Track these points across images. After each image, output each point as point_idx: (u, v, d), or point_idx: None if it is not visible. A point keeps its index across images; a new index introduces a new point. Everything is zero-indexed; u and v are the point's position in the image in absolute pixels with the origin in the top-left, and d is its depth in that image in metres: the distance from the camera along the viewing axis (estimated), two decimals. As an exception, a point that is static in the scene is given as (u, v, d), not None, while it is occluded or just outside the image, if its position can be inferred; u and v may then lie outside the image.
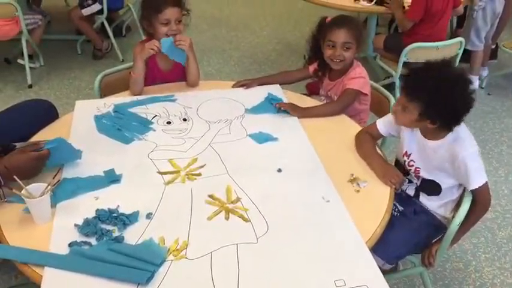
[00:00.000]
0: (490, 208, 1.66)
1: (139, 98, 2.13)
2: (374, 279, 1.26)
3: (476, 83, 3.83)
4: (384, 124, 1.82)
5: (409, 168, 1.74)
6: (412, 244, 1.70)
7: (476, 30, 3.61)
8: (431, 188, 1.71)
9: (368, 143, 1.79)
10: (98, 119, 1.95)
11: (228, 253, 1.33)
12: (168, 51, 2.10)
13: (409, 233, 1.68)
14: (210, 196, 1.54)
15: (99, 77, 2.34)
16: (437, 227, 1.74)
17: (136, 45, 2.23)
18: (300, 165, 1.71)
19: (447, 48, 3.10)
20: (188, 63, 2.19)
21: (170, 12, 2.09)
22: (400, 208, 1.75)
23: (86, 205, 1.49)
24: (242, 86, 2.22)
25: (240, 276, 1.26)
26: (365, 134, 1.83)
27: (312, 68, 2.28)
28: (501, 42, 3.84)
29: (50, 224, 1.42)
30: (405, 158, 1.74)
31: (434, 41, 3.10)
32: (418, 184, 1.74)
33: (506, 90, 3.83)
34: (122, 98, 2.13)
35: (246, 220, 1.45)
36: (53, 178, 1.43)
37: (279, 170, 1.67)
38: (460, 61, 3.28)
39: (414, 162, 1.71)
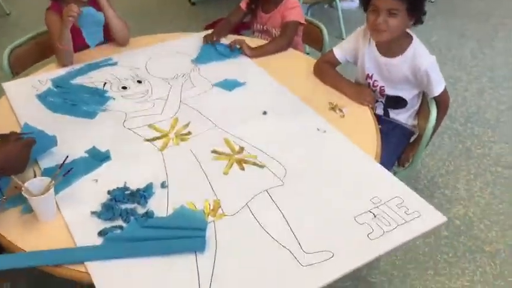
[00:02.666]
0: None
1: (75, 67, 1.92)
2: (401, 190, 1.37)
3: (356, 2, 4.09)
4: (340, 50, 1.88)
5: (374, 88, 1.84)
6: (395, 157, 1.85)
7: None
8: (398, 102, 1.85)
9: (330, 70, 1.85)
10: (42, 98, 1.74)
11: (262, 200, 1.33)
12: (87, 24, 1.88)
13: (392, 148, 1.81)
14: (214, 151, 1.50)
15: (6, 53, 2.05)
16: (409, 135, 1.90)
17: (46, 14, 1.97)
18: (281, 105, 1.72)
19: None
20: (109, 19, 1.99)
21: None
22: (387, 119, 1.88)
23: (89, 191, 1.36)
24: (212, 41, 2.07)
25: (286, 216, 1.28)
26: (323, 63, 1.88)
27: (243, 3, 2.24)
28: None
29: (58, 220, 1.27)
30: (368, 80, 1.84)
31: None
32: (384, 102, 1.87)
33: None
34: (53, 71, 1.91)
35: (262, 166, 1.45)
36: (59, 168, 1.26)
37: (264, 113, 1.67)
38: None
39: (378, 82, 1.82)
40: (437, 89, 1.75)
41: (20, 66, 2.11)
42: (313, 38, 2.31)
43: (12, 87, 1.81)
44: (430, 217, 1.29)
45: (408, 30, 1.74)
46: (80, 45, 1.99)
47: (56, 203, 1.30)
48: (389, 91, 1.83)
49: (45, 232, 1.24)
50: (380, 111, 1.89)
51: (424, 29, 3.66)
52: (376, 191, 1.35)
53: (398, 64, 1.75)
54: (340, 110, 1.69)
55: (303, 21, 2.15)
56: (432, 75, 1.72)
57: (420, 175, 2.35)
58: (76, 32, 1.92)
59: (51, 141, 1.48)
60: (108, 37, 2.07)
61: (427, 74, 1.71)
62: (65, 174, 1.27)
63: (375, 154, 1.51)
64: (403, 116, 1.88)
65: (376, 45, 1.78)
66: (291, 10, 2.12)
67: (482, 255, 1.99)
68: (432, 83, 1.73)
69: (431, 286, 1.88)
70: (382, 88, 1.82)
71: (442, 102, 1.79)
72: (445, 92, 1.78)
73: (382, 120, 1.88)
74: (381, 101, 1.88)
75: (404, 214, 1.28)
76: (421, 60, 1.71)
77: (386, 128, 1.85)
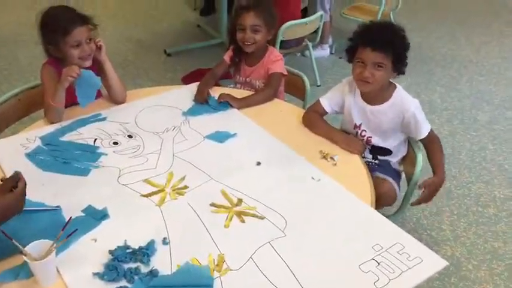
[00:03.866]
0: None
1: (63, 123, 1.91)
2: (400, 236, 1.40)
3: (327, 50, 4.24)
4: (327, 100, 1.94)
5: (361, 138, 1.89)
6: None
7: (321, 4, 3.97)
8: (383, 152, 1.91)
9: (318, 120, 1.90)
10: (31, 156, 1.71)
11: (265, 253, 1.33)
12: (83, 85, 1.91)
13: (393, 172, 1.89)
14: (212, 205, 1.50)
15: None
16: (399, 175, 1.97)
17: (43, 68, 1.97)
18: (273, 155, 1.75)
19: (313, 22, 3.38)
20: (108, 77, 2.02)
21: (79, 33, 1.87)
22: (376, 161, 1.92)
23: (89, 251, 1.33)
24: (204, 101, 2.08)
25: (291, 268, 1.28)
26: (311, 112, 1.94)
27: (227, 56, 2.30)
28: (341, 11, 4.27)
29: (59, 284, 1.23)
30: (356, 129, 1.90)
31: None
32: (370, 149, 1.92)
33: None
34: (41, 128, 1.89)
35: (261, 218, 1.46)
36: (62, 230, 1.23)
37: (258, 163, 1.69)
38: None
39: (366, 131, 1.88)
40: (425, 129, 1.82)
41: (3, 123, 2.08)
42: (295, 87, 2.38)
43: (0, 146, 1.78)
44: (431, 262, 1.31)
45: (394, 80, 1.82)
46: (69, 102, 1.98)
47: (56, 265, 1.27)
48: (376, 141, 1.88)
49: (46, 297, 1.21)
50: (369, 155, 1.93)
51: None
52: (376, 238, 1.38)
53: (385, 110, 1.82)
54: (332, 158, 1.73)
55: (285, 73, 2.22)
56: (419, 117, 1.79)
57: (406, 217, 2.40)
58: (67, 89, 1.92)
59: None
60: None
61: (414, 116, 1.78)
62: (69, 235, 1.24)
63: (370, 201, 1.54)
64: (391, 160, 1.93)
65: (362, 95, 1.85)
66: (275, 63, 2.19)
67: (474, 296, 2.02)
68: (420, 124, 1.80)
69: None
70: (369, 138, 1.88)
71: (433, 138, 1.86)
72: (432, 131, 1.85)
73: (374, 167, 1.93)
74: (368, 148, 1.93)
75: (406, 260, 1.31)
76: (407, 103, 1.79)
77: (378, 166, 1.90)
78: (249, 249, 1.34)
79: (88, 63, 1.92)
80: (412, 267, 1.29)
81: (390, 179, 1.86)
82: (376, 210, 1.50)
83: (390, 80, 1.82)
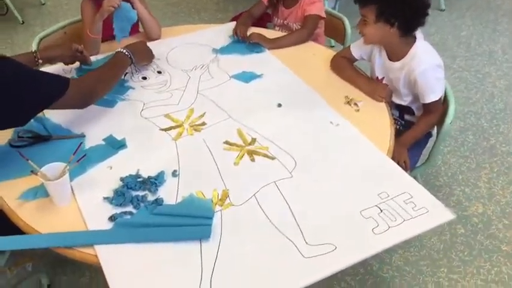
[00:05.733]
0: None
1: (98, 57, 1.97)
2: (411, 185, 1.36)
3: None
4: (356, 47, 1.86)
5: None
6: (417, 158, 1.83)
7: None
8: (404, 109, 1.83)
9: (347, 65, 1.84)
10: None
11: (269, 191, 1.35)
12: (120, 18, 1.94)
13: (412, 148, 1.78)
14: (226, 142, 1.53)
15: (35, 41, 2.13)
16: (428, 136, 1.87)
17: (83, 3, 2.03)
18: (297, 97, 1.73)
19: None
20: (139, 14, 2.04)
21: None
22: (402, 122, 1.86)
23: (103, 177, 1.40)
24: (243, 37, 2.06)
25: (292, 207, 1.29)
26: (340, 58, 1.88)
27: None
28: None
29: (73, 205, 1.33)
30: None
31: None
32: (395, 105, 1.84)
33: None
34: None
35: (272, 158, 1.47)
36: (73, 154, 1.32)
37: (279, 105, 1.68)
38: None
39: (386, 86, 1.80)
40: (430, 95, 1.68)
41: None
42: (336, 31, 2.31)
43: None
44: (438, 213, 1.28)
45: (418, 33, 1.69)
46: (106, 36, 2.04)
47: (72, 188, 1.36)
48: (395, 98, 1.80)
49: (60, 216, 1.30)
50: (395, 112, 1.86)
51: (453, 23, 3.63)
52: (384, 186, 1.35)
53: (398, 68, 1.71)
54: (356, 104, 1.69)
55: (323, 15, 2.15)
56: (427, 79, 1.65)
57: (440, 171, 2.32)
58: (105, 24, 1.98)
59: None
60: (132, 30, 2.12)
61: (422, 76, 1.65)
62: (79, 160, 1.32)
63: (387, 149, 1.50)
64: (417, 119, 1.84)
65: (385, 49, 1.76)
66: (312, 5, 2.12)
67: (499, 255, 1.95)
68: (425, 86, 1.67)
69: (444, 284, 1.86)
70: (391, 91, 1.79)
71: (429, 111, 1.74)
72: (434, 105, 1.71)
73: (399, 129, 1.85)
74: (394, 104, 1.84)
75: (411, 210, 1.28)
76: (418, 62, 1.65)
77: (404, 128, 1.84)
78: (254, 187, 1.36)
79: None
80: (415, 217, 1.26)
81: None
82: (391, 160, 1.46)
83: (416, 34, 1.68)
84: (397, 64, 1.72)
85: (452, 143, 2.49)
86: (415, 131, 1.76)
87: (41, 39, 2.15)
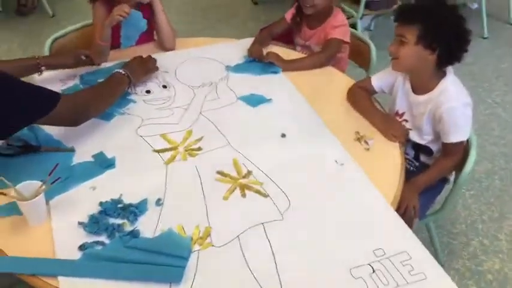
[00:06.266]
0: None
1: (107, 65, 1.91)
2: (412, 244, 1.23)
3: None
4: (377, 79, 1.73)
5: None
6: (430, 204, 1.69)
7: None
8: (422, 149, 1.68)
9: (364, 97, 1.71)
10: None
11: (255, 234, 1.24)
12: (128, 26, 1.88)
13: (425, 193, 1.63)
14: (219, 172, 1.42)
15: (48, 42, 2.09)
16: (444, 181, 1.73)
17: (95, 7, 1.96)
18: (304, 128, 1.61)
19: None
20: (160, 24, 1.97)
21: None
22: (417, 163, 1.72)
23: (83, 198, 1.33)
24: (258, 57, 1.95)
25: (276, 256, 1.18)
26: (358, 88, 1.75)
27: (289, 14, 2.14)
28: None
29: (47, 225, 1.25)
30: (397, 118, 1.68)
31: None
32: (413, 146, 1.69)
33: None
34: (86, 67, 1.89)
35: (265, 195, 1.36)
36: (49, 175, 1.24)
37: (283, 135, 1.57)
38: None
39: (407, 123, 1.66)
40: (454, 135, 1.54)
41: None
42: (361, 56, 2.18)
43: (43, 79, 1.81)
44: (437, 282, 1.14)
45: (449, 69, 1.56)
46: (116, 43, 1.98)
47: (49, 207, 1.28)
48: (413, 135, 1.65)
49: (30, 237, 1.23)
50: (410, 151, 1.72)
51: (494, 53, 3.42)
52: (382, 242, 1.22)
53: (423, 102, 1.57)
54: (366, 142, 1.56)
55: (346, 40, 2.02)
56: (454, 117, 1.51)
57: (459, 217, 2.16)
58: (115, 31, 1.92)
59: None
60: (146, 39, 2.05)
61: (448, 113, 1.51)
62: (53, 182, 1.24)
63: (393, 197, 1.37)
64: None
65: (411, 82, 1.62)
66: (336, 28, 1.99)
67: (512, 319, 1.78)
68: (451, 125, 1.52)
69: None
70: (408, 131, 1.65)
71: (449, 153, 1.59)
72: (457, 146, 1.56)
73: (412, 171, 1.71)
74: (411, 144, 1.70)
75: (407, 274, 1.15)
76: (447, 97, 1.51)
77: (418, 171, 1.69)
78: (240, 227, 1.25)
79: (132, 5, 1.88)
80: (410, 283, 1.12)
81: None
82: (395, 213, 1.33)
83: (446, 69, 1.54)
84: (422, 98, 1.58)
85: (476, 186, 2.32)
86: (429, 175, 1.61)
87: (53, 41, 2.11)
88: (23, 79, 1.58)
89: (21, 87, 1.32)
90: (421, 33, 1.46)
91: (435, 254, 1.91)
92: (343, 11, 3.36)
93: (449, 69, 1.56)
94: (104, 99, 1.56)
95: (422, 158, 1.71)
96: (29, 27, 3.73)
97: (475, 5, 3.95)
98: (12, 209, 1.26)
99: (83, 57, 1.79)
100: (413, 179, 1.58)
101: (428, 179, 1.61)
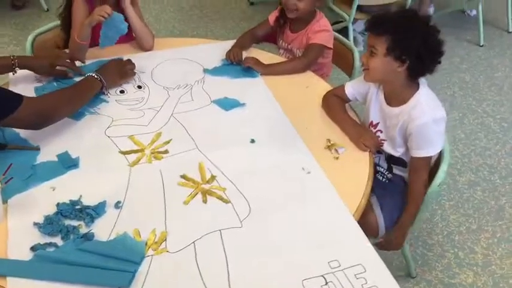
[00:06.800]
0: (449, 154, 1.58)
1: (83, 64, 1.89)
2: (368, 256, 1.21)
3: (422, 23, 3.81)
4: (351, 87, 1.69)
5: None
6: (396, 215, 1.64)
7: (425, -29, 3.55)
8: (396, 161, 1.65)
9: (337, 105, 1.69)
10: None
11: (212, 241, 1.23)
12: (109, 27, 1.86)
13: (394, 204, 1.63)
14: (183, 176, 1.41)
15: (30, 38, 2.09)
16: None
17: (75, 2, 1.95)
18: (274, 134, 1.60)
19: (400, -11, 3.03)
20: (131, 24, 1.95)
21: None
22: (389, 175, 1.69)
23: (42, 198, 1.32)
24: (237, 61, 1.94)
25: (229, 264, 1.17)
26: (332, 96, 1.72)
27: (272, 16, 2.12)
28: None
29: (3, 224, 1.24)
30: (371, 128, 1.66)
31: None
32: (386, 157, 1.67)
33: (452, 29, 3.82)
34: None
35: (226, 201, 1.34)
36: (3, 174, 1.23)
37: (252, 141, 1.55)
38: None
39: (381, 133, 1.63)
40: (417, 151, 1.52)
41: (41, 51, 2.13)
42: (345, 61, 2.16)
43: (19, 77, 1.80)
44: (389, 296, 1.12)
45: (422, 81, 1.53)
46: (95, 42, 1.97)
47: (8, 206, 1.28)
48: (386, 146, 1.62)
49: (-16, 236, 1.22)
50: (383, 164, 1.69)
51: (489, 61, 3.39)
52: (338, 253, 1.20)
53: (396, 115, 1.54)
54: (336, 151, 1.54)
55: (329, 46, 2.00)
56: (425, 133, 1.49)
57: (436, 228, 2.13)
58: (94, 29, 1.89)
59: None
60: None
61: (419, 130, 1.48)
62: (6, 182, 1.23)
63: (356, 207, 1.35)
64: (407, 175, 1.65)
65: (384, 92, 1.60)
66: (318, 33, 1.97)
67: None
68: (415, 141, 1.50)
69: None
70: (382, 142, 1.62)
71: (416, 169, 1.55)
72: (424, 161, 1.53)
73: (384, 183, 1.70)
74: (385, 155, 1.68)
75: (359, 287, 1.13)
76: (418, 113, 1.48)
77: (391, 182, 1.67)
78: (196, 233, 1.24)
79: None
80: (361, 297, 1.11)
81: (377, 212, 1.61)
82: (356, 223, 1.30)
83: (420, 81, 1.52)
84: (395, 110, 1.55)
85: (457, 197, 2.29)
86: (409, 210, 1.57)
87: (36, 36, 2.11)
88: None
89: None
90: (390, 45, 1.43)
91: (406, 265, 1.90)
92: (334, 13, 3.36)
93: (423, 82, 1.54)
94: (70, 104, 1.55)
95: (396, 170, 1.68)
96: (23, 21, 3.73)
97: (473, 12, 3.92)
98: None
99: (58, 67, 1.78)
100: (401, 220, 1.59)
101: (409, 215, 1.59)
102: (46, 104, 1.45)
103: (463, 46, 3.63)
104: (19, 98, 1.36)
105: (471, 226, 2.17)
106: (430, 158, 1.54)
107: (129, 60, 1.82)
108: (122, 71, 1.76)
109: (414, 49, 1.42)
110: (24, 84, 1.76)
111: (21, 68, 1.72)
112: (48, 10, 3.82)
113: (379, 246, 1.64)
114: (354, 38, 3.43)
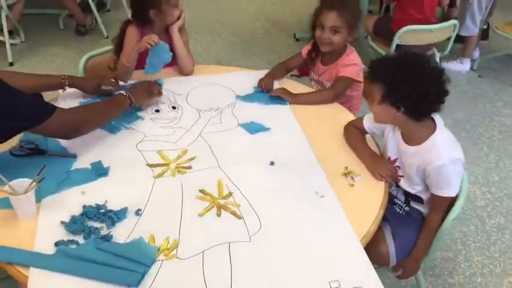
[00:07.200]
0: (480, 195, 1.59)
1: (126, 84, 2.04)
2: (369, 279, 1.24)
3: (467, 65, 3.80)
4: (369, 121, 1.73)
5: None
6: (411, 246, 1.64)
7: (471, 16, 3.54)
8: (416, 197, 1.66)
9: (356, 135, 1.74)
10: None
11: (220, 252, 1.30)
12: (154, 55, 2.02)
13: (409, 236, 1.64)
14: (201, 191, 1.50)
15: (83, 59, 2.28)
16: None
17: (128, 28, 2.13)
18: (293, 158, 1.66)
19: (441, 31, 3.06)
20: (175, 49, 2.11)
21: None
22: (407, 208, 1.71)
23: (72, 200, 1.44)
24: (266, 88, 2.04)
25: (233, 276, 1.23)
26: (352, 127, 1.78)
27: (305, 50, 2.22)
28: (493, 23, 3.80)
29: (34, 221, 1.37)
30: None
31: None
32: (404, 191, 1.69)
33: (497, 73, 3.79)
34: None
35: (239, 217, 1.41)
36: (37, 174, 1.37)
37: (272, 163, 1.63)
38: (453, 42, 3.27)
39: (399, 169, 1.65)
40: (437, 191, 1.54)
41: (94, 71, 2.31)
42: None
43: (69, 93, 1.97)
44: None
45: (438, 120, 1.54)
46: (142, 65, 2.13)
47: (40, 205, 1.40)
48: (403, 183, 1.65)
49: (17, 230, 1.34)
50: (401, 197, 1.71)
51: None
52: (340, 273, 1.25)
53: (412, 155, 1.56)
54: (352, 178, 1.58)
55: (358, 79, 2.06)
56: (437, 177, 1.51)
57: (459, 268, 2.10)
58: (142, 53, 2.05)
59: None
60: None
61: (438, 171, 1.50)
62: (40, 181, 1.36)
63: (363, 234, 1.38)
64: (424, 210, 1.67)
65: (401, 132, 1.61)
66: (347, 67, 2.05)
67: None
68: (434, 182, 1.53)
69: None
70: (399, 177, 1.64)
71: (436, 206, 1.58)
72: (445, 200, 1.55)
73: (401, 216, 1.71)
74: (402, 191, 1.69)
75: (356, 308, 1.16)
76: (435, 155, 1.49)
77: (408, 215, 1.70)
78: (206, 243, 1.32)
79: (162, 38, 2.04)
80: (356, 318, 1.14)
81: (389, 242, 1.63)
82: (361, 247, 1.34)
83: (435, 119, 1.53)
84: (412, 149, 1.56)
85: (484, 239, 2.25)
86: (423, 240, 1.61)
87: (89, 58, 2.30)
88: (47, 93, 1.82)
89: (19, 96, 1.43)
90: (384, 93, 1.46)
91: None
92: (374, 50, 3.42)
93: (439, 121, 1.54)
94: (99, 118, 1.66)
95: (413, 204, 1.70)
96: (83, 46, 4.01)
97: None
98: (5, 203, 1.39)
99: (104, 87, 1.93)
100: (415, 251, 1.62)
101: (424, 245, 1.62)
102: (75, 117, 1.57)
103: (508, 91, 3.59)
104: (51, 108, 1.48)
105: (495, 269, 2.12)
106: (450, 198, 1.55)
107: (154, 82, 1.96)
108: (150, 91, 1.88)
109: (406, 96, 1.43)
110: (71, 99, 1.92)
111: (70, 86, 1.89)
112: (107, 37, 4.11)
113: (397, 276, 1.69)
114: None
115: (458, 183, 1.55)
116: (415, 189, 1.63)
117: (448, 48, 3.28)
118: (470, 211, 2.39)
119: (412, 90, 1.42)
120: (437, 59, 3.35)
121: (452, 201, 1.57)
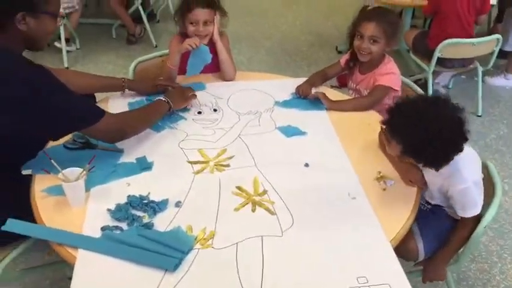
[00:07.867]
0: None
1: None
2: (397, 278, 1.28)
3: (511, 82, 3.75)
4: None
5: None
6: (439, 243, 1.69)
7: (517, 28, 3.53)
8: (436, 205, 1.72)
9: None
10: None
11: (253, 245, 1.36)
12: (195, 57, 2.13)
13: (440, 227, 1.69)
14: (238, 187, 1.58)
15: (133, 64, 2.40)
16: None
17: (173, 38, 2.26)
18: (327, 161, 1.72)
19: (483, 44, 3.04)
20: (220, 59, 2.21)
21: (199, 13, 2.13)
22: (429, 206, 1.75)
23: (118, 191, 1.54)
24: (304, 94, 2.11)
25: (264, 268, 1.29)
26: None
27: (343, 59, 2.28)
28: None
29: (84, 208, 1.48)
30: None
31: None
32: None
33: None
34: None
35: (272, 213, 1.48)
36: (88, 164, 1.48)
37: (306, 165, 1.69)
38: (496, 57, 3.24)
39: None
40: (463, 212, 1.59)
41: (142, 76, 2.44)
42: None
43: (117, 94, 2.11)
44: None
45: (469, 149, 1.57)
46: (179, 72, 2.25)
47: (89, 194, 1.52)
48: (425, 195, 1.70)
49: (68, 215, 1.45)
50: (423, 199, 1.75)
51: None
52: (369, 271, 1.29)
53: (435, 175, 1.58)
54: (385, 183, 1.62)
55: (395, 88, 2.10)
56: (466, 196, 1.55)
57: (493, 281, 2.08)
58: (184, 59, 2.19)
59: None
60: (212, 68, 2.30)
61: (460, 194, 1.55)
62: (90, 170, 1.48)
63: (393, 236, 1.42)
64: (447, 208, 1.72)
65: None
66: (385, 75, 2.09)
67: None
68: (459, 205, 1.58)
69: None
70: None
71: (465, 224, 1.61)
72: (473, 217, 1.58)
73: (426, 212, 1.75)
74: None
75: (382, 304, 1.20)
76: (457, 180, 1.53)
77: (431, 212, 1.73)
78: (241, 235, 1.39)
79: (203, 41, 2.14)
80: (382, 313, 1.18)
81: (417, 238, 1.67)
82: (391, 248, 1.38)
83: None
84: (432, 170, 1.57)
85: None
86: (450, 248, 1.65)
87: (138, 63, 2.44)
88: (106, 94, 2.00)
89: (71, 98, 1.52)
90: (402, 150, 1.49)
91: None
92: (416, 64, 3.43)
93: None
94: (142, 123, 1.76)
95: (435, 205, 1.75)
96: (133, 54, 4.21)
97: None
98: (59, 190, 1.51)
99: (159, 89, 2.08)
100: (439, 255, 1.67)
101: (450, 252, 1.66)
102: (121, 123, 1.65)
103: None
104: (101, 112, 1.58)
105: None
106: (477, 215, 1.59)
107: (189, 87, 2.05)
108: (186, 96, 1.98)
109: (423, 153, 1.45)
110: (120, 99, 2.06)
111: (129, 89, 2.05)
112: (156, 46, 4.30)
113: (425, 278, 1.72)
114: (436, 91, 3.46)
115: (482, 199, 1.59)
116: (435, 201, 1.69)
117: (491, 62, 3.25)
118: (508, 225, 2.36)
119: (433, 151, 1.43)
120: (480, 73, 3.32)
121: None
